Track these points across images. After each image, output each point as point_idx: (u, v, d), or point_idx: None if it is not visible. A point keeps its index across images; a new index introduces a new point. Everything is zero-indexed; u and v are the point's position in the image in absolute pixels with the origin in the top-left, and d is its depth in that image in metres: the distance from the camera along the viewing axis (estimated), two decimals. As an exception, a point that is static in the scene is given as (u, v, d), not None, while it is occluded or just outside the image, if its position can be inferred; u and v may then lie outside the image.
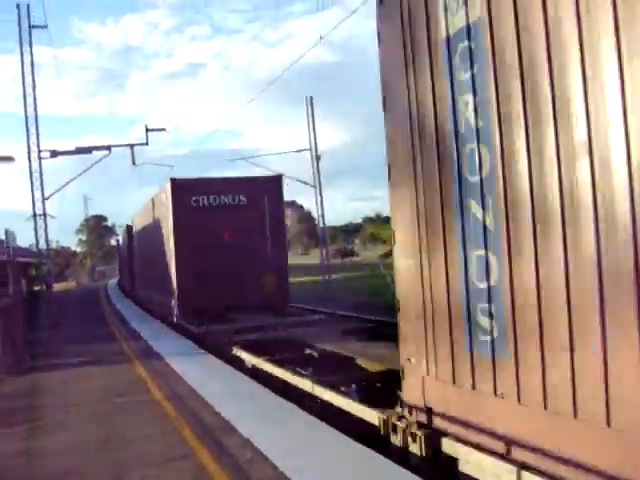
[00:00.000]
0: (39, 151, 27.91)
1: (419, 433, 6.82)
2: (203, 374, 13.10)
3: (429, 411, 6.82)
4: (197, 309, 20.47)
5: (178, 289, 20.97)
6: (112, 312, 32.93)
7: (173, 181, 21.19)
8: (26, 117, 27.41)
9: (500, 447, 5.71)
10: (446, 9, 6.22)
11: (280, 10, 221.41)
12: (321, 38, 16.97)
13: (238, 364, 14.34)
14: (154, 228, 26.29)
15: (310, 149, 36.63)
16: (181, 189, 21.03)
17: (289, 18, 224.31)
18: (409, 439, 7.01)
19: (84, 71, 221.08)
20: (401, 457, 7.02)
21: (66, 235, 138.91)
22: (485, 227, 5.80)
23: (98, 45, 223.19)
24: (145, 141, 32.04)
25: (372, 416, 8.00)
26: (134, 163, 32.76)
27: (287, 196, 28.79)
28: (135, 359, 15.79)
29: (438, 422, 6.66)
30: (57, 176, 36.09)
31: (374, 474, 6.57)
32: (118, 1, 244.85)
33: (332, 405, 9.39)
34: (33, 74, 27.55)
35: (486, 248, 5.79)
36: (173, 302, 21.73)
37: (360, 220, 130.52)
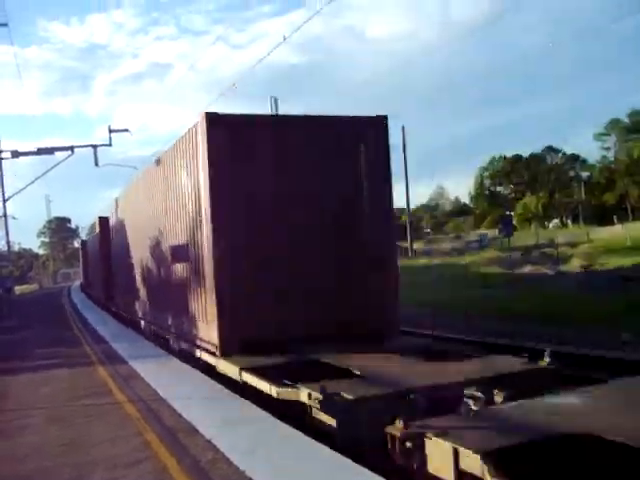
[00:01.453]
0: (0, 151, 27.46)
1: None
2: None
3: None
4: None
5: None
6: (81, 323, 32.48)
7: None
8: (-14, 117, 26.93)
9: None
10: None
11: (247, 12, 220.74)
12: (284, 39, 16.84)
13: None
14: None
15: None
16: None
17: (256, 20, 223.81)
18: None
19: (48, 70, 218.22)
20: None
21: (28, 237, 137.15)
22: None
23: (63, 44, 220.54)
24: (109, 142, 31.73)
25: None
26: (97, 164, 32.37)
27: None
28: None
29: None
30: (18, 177, 35.60)
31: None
32: (83, 0, 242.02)
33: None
34: (-7, 73, 27.08)
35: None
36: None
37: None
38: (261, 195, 12.16)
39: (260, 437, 8.06)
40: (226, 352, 11.60)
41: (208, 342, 12.53)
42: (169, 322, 16.67)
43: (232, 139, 12.05)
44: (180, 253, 14.57)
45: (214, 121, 12.02)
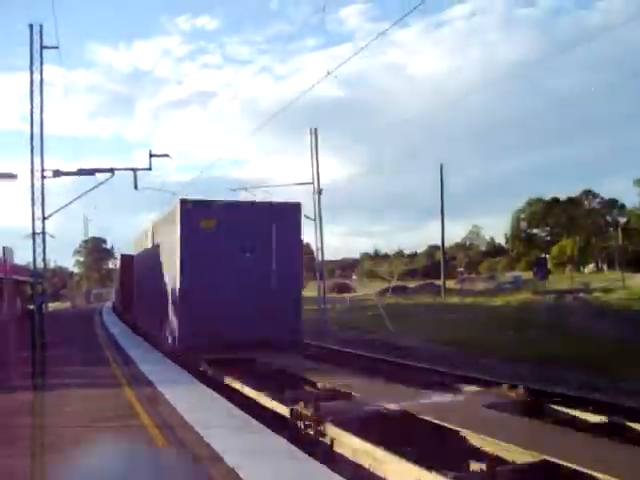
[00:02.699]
0: (42, 170, 27.97)
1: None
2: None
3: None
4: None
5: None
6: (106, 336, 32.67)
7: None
8: (32, 135, 27.50)
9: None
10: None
11: (291, 44, 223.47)
12: (328, 73, 17.05)
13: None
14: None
15: (312, 182, 36.64)
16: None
17: (299, 52, 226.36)
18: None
19: (94, 93, 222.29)
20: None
21: (64, 255, 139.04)
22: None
23: (109, 68, 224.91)
24: (149, 166, 32.11)
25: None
26: (136, 187, 32.76)
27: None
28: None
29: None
30: (59, 196, 36.16)
31: None
32: (131, 26, 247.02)
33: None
34: (42, 93, 27.72)
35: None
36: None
37: (357, 255, 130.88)
38: (214, 252, 19.41)
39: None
40: (181, 342, 19.69)
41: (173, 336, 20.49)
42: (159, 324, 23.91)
43: (197, 215, 19.68)
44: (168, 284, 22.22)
45: (185, 203, 19.99)
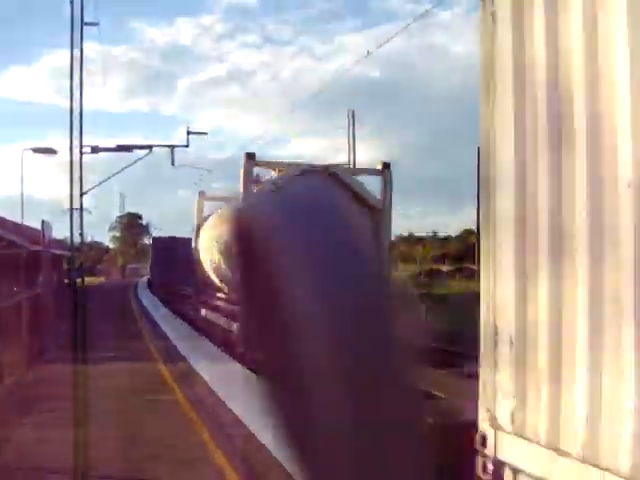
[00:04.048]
0: (81, 146, 28.13)
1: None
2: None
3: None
4: None
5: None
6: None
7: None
8: (71, 111, 27.55)
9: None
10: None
11: (331, 24, 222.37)
12: (368, 53, 16.88)
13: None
14: None
15: (348, 164, 36.49)
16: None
17: (339, 32, 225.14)
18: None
19: (133, 70, 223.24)
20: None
21: (101, 231, 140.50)
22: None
23: (149, 45, 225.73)
24: (186, 143, 32.24)
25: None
26: (173, 164, 32.96)
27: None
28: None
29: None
30: (96, 172, 36.55)
31: None
32: (173, 3, 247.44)
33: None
34: (81, 70, 27.71)
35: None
36: None
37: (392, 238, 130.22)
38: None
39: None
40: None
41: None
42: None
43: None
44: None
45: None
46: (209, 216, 24.64)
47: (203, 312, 26.55)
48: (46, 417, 10.46)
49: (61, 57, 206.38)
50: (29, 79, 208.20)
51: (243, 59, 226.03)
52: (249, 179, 14.58)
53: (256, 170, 15.19)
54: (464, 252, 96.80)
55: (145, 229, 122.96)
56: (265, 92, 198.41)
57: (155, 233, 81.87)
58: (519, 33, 4.49)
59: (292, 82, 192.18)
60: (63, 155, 27.74)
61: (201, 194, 28.73)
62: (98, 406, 10.91)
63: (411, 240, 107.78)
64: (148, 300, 43.58)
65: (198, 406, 11.54)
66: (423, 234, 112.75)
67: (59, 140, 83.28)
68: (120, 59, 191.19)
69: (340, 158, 37.71)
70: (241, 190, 14.75)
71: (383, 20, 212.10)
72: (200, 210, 27.68)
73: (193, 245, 26.40)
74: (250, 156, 14.59)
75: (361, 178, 15.70)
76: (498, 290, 4.78)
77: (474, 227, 72.73)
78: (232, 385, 12.98)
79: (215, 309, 24.46)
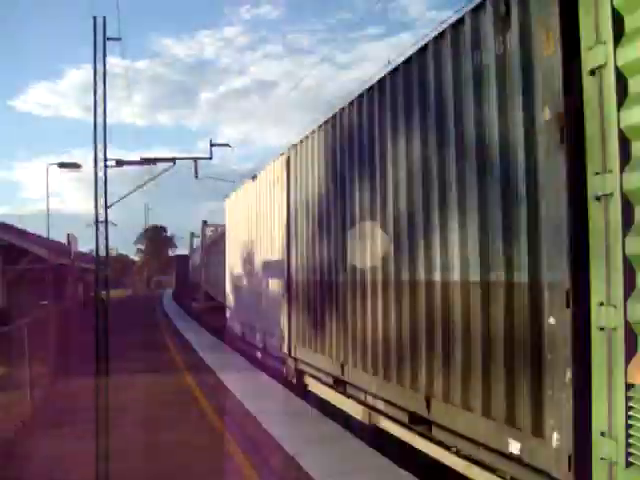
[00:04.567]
0: (105, 159, 28.44)
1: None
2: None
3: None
4: None
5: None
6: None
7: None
8: (95, 126, 27.92)
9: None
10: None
11: (353, 33, 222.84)
12: (389, 62, 16.90)
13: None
14: None
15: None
16: None
17: (361, 41, 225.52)
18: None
19: (156, 84, 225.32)
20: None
21: (126, 243, 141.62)
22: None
23: (172, 58, 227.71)
24: (209, 155, 32.41)
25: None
26: (197, 176, 33.15)
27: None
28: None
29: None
30: (121, 185, 36.82)
31: None
32: (194, 17, 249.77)
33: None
34: (105, 84, 28.10)
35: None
36: None
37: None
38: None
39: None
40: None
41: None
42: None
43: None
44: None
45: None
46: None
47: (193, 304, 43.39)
48: (74, 429, 10.53)
49: (85, 73, 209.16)
50: (54, 95, 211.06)
51: (265, 70, 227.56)
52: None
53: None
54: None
55: (170, 241, 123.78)
56: (287, 102, 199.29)
57: (179, 245, 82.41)
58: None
59: (314, 91, 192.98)
60: (88, 169, 28.06)
61: (204, 223, 39.95)
62: (120, 416, 11.07)
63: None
64: (170, 308, 45.88)
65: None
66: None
67: (84, 154, 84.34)
68: (144, 73, 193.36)
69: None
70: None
71: (403, 28, 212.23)
72: (204, 236, 39.90)
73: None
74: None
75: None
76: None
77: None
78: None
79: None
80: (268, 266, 16.49)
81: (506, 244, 5.83)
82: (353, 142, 9.74)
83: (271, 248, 15.97)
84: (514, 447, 5.55)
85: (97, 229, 27.62)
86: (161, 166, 30.96)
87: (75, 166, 35.43)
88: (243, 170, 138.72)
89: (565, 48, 5.07)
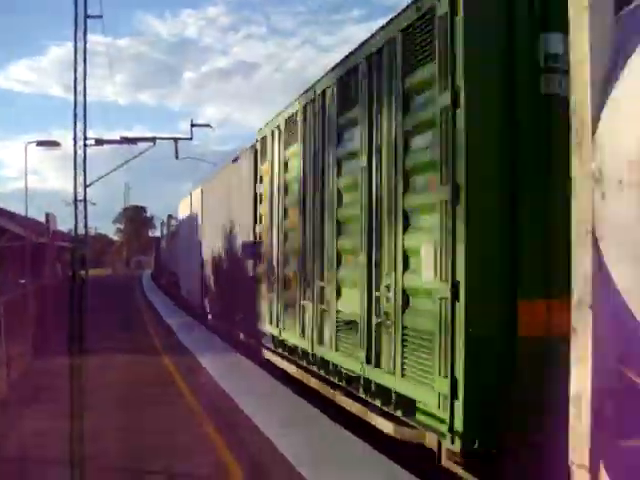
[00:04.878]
0: (85, 138, 28.28)
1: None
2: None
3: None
4: None
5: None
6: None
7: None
8: (75, 104, 27.74)
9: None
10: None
11: (336, 15, 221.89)
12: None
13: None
14: None
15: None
16: None
17: (344, 23, 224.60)
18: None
19: (139, 62, 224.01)
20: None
21: (105, 223, 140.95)
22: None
23: (155, 37, 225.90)
24: (190, 136, 32.34)
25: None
26: (177, 157, 33.07)
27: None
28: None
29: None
30: (101, 164, 36.62)
31: None
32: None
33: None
34: (85, 63, 27.90)
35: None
36: None
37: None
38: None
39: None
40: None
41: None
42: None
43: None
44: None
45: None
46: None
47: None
48: (50, 408, 10.57)
49: (66, 50, 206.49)
50: (34, 72, 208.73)
51: (248, 51, 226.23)
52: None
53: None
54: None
55: (150, 221, 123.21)
56: (270, 84, 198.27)
57: (159, 225, 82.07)
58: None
59: (296, 74, 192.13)
60: (68, 148, 27.85)
61: (169, 217, 44.63)
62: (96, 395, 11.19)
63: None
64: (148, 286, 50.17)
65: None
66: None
67: (64, 133, 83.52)
68: (126, 52, 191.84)
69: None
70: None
71: (387, 11, 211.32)
72: (169, 226, 44.95)
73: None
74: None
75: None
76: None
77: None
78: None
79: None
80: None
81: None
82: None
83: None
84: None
85: (76, 208, 27.55)
86: (142, 145, 30.89)
87: (54, 144, 35.08)
88: (224, 150, 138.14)
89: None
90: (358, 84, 8.51)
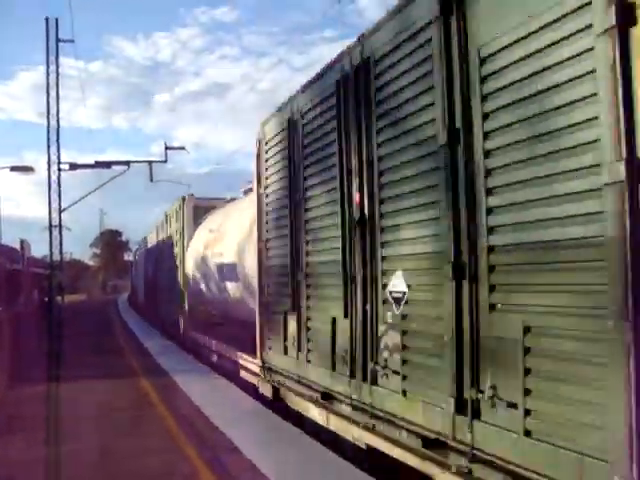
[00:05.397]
0: (59, 163, 28.19)
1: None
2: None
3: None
4: None
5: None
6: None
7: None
8: (48, 129, 27.72)
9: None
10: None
11: (309, 35, 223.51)
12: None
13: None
14: None
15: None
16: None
17: (317, 43, 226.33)
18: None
19: (111, 86, 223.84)
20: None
21: (80, 248, 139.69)
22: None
23: (127, 60, 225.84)
24: (164, 158, 32.31)
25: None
26: (151, 180, 32.98)
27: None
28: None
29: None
30: (75, 189, 36.40)
31: None
32: (150, 18, 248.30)
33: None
34: (58, 87, 27.91)
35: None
36: None
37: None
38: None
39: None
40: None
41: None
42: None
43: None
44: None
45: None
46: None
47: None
48: (25, 436, 10.43)
49: (38, 75, 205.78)
50: (6, 97, 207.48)
51: (221, 72, 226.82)
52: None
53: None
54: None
55: (125, 245, 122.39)
56: (243, 104, 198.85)
57: (134, 249, 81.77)
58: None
59: (270, 94, 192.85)
60: (41, 173, 27.70)
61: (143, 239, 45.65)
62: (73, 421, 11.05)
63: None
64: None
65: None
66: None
67: (37, 157, 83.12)
68: (98, 75, 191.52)
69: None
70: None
71: (359, 31, 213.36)
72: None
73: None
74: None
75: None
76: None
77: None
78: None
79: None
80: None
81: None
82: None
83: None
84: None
85: (51, 234, 27.40)
86: (116, 169, 30.78)
87: (27, 169, 34.84)
88: (198, 173, 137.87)
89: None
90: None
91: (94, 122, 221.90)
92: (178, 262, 23.97)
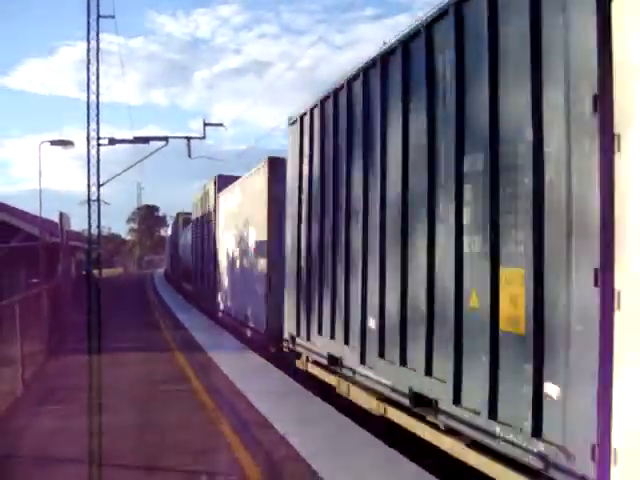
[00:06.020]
0: (98, 138, 28.31)
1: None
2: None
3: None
4: None
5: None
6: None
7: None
8: (88, 104, 27.83)
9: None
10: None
11: (349, 14, 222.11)
12: (384, 44, 16.82)
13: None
14: None
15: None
16: None
17: (357, 22, 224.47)
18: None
19: (151, 62, 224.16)
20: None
21: (118, 223, 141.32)
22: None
23: (167, 37, 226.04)
24: (203, 135, 32.23)
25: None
26: (190, 156, 32.98)
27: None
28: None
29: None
30: (114, 164, 36.61)
31: None
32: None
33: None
34: (98, 62, 27.97)
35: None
36: None
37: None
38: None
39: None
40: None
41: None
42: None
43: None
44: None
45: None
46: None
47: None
48: (65, 407, 10.55)
49: (79, 50, 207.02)
50: (47, 72, 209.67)
51: (260, 50, 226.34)
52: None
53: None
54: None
55: (162, 221, 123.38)
56: (282, 82, 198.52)
57: (171, 225, 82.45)
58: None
59: (309, 72, 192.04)
60: (81, 147, 27.91)
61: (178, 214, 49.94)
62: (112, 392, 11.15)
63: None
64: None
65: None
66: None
67: (77, 132, 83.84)
68: (138, 52, 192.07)
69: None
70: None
71: (401, 10, 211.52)
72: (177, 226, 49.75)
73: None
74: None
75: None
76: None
77: None
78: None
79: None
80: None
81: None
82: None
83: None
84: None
85: (89, 207, 27.57)
86: (155, 145, 30.85)
87: (67, 143, 35.06)
88: (236, 150, 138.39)
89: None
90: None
91: (133, 98, 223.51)
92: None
